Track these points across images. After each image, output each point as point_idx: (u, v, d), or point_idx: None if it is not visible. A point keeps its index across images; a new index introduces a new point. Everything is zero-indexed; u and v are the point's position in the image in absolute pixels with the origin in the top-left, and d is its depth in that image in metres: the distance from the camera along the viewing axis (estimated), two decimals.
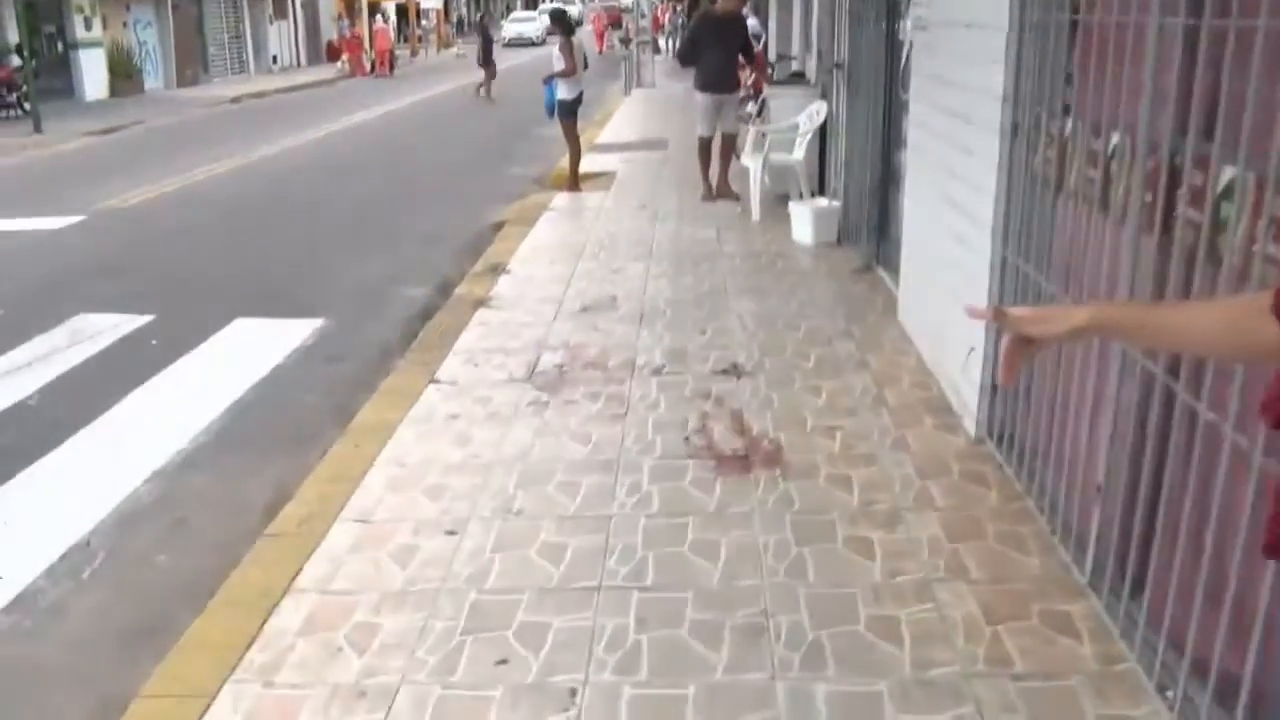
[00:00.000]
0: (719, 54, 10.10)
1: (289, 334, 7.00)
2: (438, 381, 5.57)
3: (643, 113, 18.97)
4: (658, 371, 5.57)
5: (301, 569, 3.77)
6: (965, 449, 4.56)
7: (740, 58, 10.41)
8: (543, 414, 5.09)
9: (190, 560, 4.18)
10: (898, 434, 4.72)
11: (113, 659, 3.56)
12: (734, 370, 5.54)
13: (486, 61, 25.16)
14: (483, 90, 24.93)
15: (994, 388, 4.53)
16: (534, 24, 54.89)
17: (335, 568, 3.78)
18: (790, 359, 5.70)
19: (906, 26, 6.54)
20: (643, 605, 3.47)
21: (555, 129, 11.98)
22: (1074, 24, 3.75)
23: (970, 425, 4.68)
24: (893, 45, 7.02)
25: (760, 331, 6.17)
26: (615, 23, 46.91)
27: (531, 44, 51.27)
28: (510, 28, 53.07)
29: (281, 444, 5.22)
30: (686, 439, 4.72)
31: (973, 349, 4.63)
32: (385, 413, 5.20)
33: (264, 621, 3.47)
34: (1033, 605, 3.38)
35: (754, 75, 11.67)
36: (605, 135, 15.48)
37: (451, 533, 3.96)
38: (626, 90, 22.86)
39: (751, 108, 11.74)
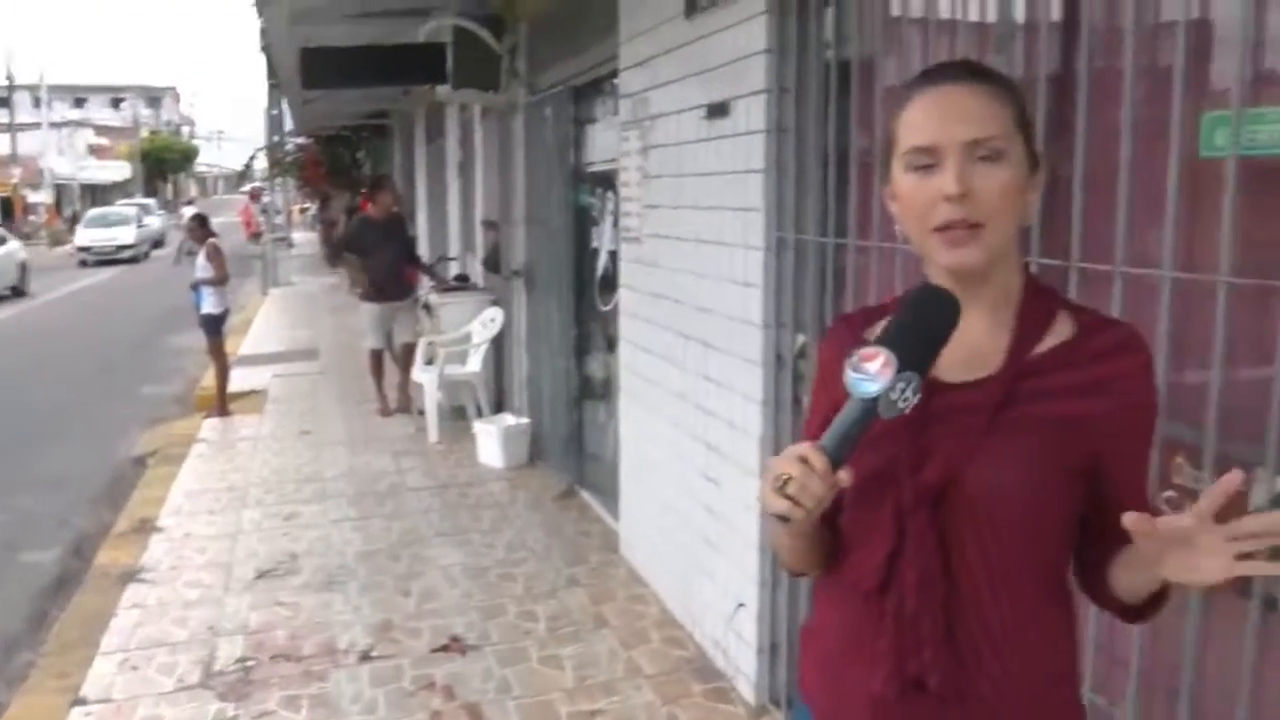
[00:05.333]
0: (385, 258, 9.27)
1: None
2: (84, 701, 4.33)
3: (286, 314, 17.70)
4: (365, 656, 4.61)
5: None
6: None
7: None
8: None
9: None
10: (668, 711, 4.03)
11: None
12: (456, 644, 4.68)
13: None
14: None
15: (774, 647, 3.98)
16: (129, 228, 34.39)
17: None
18: (516, 621, 4.90)
19: (603, 235, 6.13)
20: None
21: (184, 338, 10.59)
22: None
23: (747, 690, 4.07)
24: (583, 253, 6.59)
25: (474, 588, 5.32)
26: (255, 196, 43.54)
27: (124, 259, 32.58)
28: (87, 234, 33.82)
29: None
30: None
31: (742, 605, 4.08)
32: None
33: None
34: None
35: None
36: (249, 344, 14.02)
37: None
38: (264, 289, 21.59)
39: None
